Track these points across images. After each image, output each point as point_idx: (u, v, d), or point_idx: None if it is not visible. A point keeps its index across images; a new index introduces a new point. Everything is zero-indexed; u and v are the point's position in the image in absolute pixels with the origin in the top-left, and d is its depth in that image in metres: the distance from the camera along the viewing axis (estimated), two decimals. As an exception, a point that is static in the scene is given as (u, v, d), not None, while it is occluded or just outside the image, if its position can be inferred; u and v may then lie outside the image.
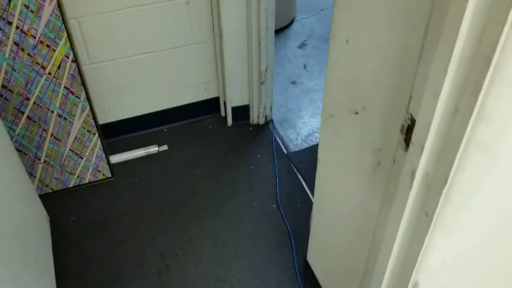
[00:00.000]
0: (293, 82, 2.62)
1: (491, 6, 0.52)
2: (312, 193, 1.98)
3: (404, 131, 0.77)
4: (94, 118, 1.82)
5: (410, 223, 0.81)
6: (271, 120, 2.34)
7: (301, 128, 2.33)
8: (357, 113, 0.98)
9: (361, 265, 1.15)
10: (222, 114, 2.32)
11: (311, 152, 2.21)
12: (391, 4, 0.75)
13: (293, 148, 2.22)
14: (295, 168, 2.11)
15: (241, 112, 2.26)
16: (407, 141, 0.77)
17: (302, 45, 2.88)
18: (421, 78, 0.68)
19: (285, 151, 2.20)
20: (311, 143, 2.25)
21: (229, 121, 2.28)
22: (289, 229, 1.82)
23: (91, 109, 1.79)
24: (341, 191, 1.17)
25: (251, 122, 2.31)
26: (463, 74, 0.59)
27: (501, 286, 0.97)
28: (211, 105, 2.28)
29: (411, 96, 0.73)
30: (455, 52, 0.58)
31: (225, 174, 2.05)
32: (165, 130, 2.24)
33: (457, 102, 0.62)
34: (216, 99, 2.27)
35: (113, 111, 2.09)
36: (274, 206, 1.92)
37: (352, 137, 1.03)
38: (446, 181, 0.69)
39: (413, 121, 0.74)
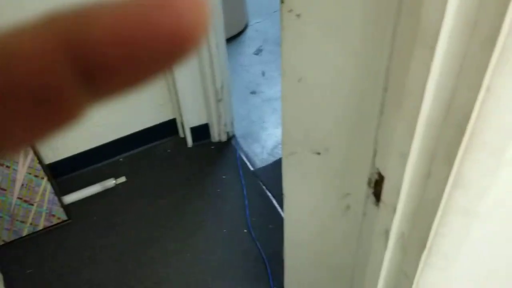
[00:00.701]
0: (253, 92, 2.52)
1: (461, 68, 0.43)
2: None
3: (372, 184, 0.69)
4: (40, 162, 1.67)
5: (389, 282, 0.73)
6: (234, 136, 2.24)
7: (265, 140, 2.24)
8: (319, 153, 0.89)
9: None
10: (181, 135, 2.20)
11: (279, 166, 2.11)
12: (343, 46, 0.66)
13: (259, 163, 2.12)
14: (264, 185, 2.02)
15: (201, 131, 2.15)
16: (377, 195, 0.68)
17: (258, 51, 2.78)
18: (384, 136, 0.59)
19: (251, 168, 2.10)
20: (277, 156, 2.16)
21: (189, 142, 2.16)
22: (264, 255, 1.72)
23: (35, 152, 1.65)
24: (311, 231, 1.08)
25: (213, 140, 2.20)
26: (434, 139, 0.51)
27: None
28: (168, 128, 2.15)
29: (378, 150, 0.64)
30: (422, 115, 0.49)
31: (190, 202, 1.93)
32: (121, 160, 2.10)
33: (429, 166, 0.53)
34: (173, 121, 2.15)
35: (62, 147, 1.94)
36: (245, 230, 1.82)
37: (316, 178, 0.94)
38: (424, 246, 0.61)
39: (381, 177, 0.65)
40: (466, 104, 0.44)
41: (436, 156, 0.51)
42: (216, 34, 1.80)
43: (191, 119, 2.08)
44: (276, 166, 2.10)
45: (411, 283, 0.67)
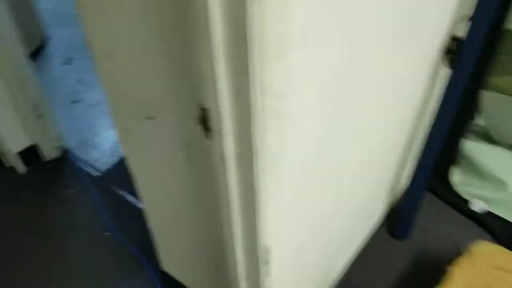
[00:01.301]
0: (75, 101, 2.43)
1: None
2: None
3: (201, 121, 0.78)
4: None
5: (239, 198, 0.84)
6: (68, 149, 2.15)
7: (102, 144, 2.20)
8: (152, 118, 0.95)
9: (213, 251, 1.16)
10: (7, 164, 2.02)
11: (123, 163, 2.11)
12: (134, 10, 0.73)
13: (103, 167, 2.09)
14: (114, 185, 2.00)
15: (30, 154, 2.01)
16: (207, 129, 0.78)
17: (68, 60, 2.67)
18: (194, 72, 0.69)
19: (97, 173, 2.05)
20: (118, 155, 2.15)
21: (21, 169, 2.01)
22: (134, 250, 1.73)
23: None
24: (167, 195, 1.15)
25: (46, 159, 2.08)
26: (233, 57, 0.61)
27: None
28: (-9, 160, 1.97)
29: (195, 89, 0.73)
30: (214, 41, 0.60)
31: (41, 230, 1.81)
32: None
33: (239, 84, 0.64)
34: (-6, 152, 1.97)
35: None
36: (107, 234, 1.79)
37: (155, 141, 1.01)
38: (254, 155, 0.73)
39: (205, 110, 0.75)
40: (242, 17, 0.55)
41: (239, 72, 0.62)
42: (15, 50, 1.70)
43: (13, 144, 1.94)
44: (120, 164, 2.09)
45: (254, 190, 0.79)
